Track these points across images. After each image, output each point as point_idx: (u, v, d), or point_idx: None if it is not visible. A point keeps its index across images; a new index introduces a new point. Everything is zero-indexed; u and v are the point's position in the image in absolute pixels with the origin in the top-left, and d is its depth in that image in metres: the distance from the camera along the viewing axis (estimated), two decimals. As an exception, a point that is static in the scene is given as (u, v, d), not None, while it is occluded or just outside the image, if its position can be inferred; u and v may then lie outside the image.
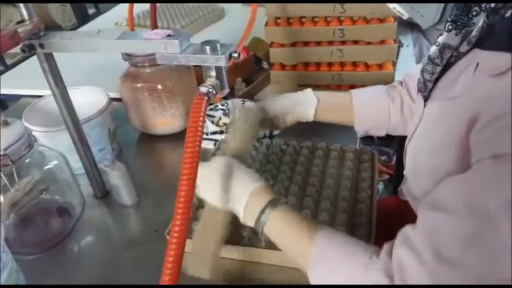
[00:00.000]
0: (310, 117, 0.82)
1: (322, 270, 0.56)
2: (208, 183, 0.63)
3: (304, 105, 0.81)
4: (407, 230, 0.51)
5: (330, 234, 0.58)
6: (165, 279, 0.48)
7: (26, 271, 0.67)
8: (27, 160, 0.71)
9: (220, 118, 1.01)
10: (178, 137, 1.01)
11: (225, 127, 0.99)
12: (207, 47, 0.59)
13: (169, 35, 0.61)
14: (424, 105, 0.64)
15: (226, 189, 0.62)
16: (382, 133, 0.84)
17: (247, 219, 0.61)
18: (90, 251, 0.77)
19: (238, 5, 1.79)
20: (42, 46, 0.66)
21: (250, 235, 0.68)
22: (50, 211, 0.79)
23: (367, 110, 0.82)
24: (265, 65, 1.26)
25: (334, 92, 0.87)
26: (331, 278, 0.55)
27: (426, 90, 0.63)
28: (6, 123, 0.71)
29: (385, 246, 0.53)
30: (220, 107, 1.03)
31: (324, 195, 0.74)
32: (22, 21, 0.68)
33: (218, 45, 0.59)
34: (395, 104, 0.80)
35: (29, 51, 0.67)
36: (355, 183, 0.77)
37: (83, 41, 0.67)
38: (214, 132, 0.97)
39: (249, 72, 1.22)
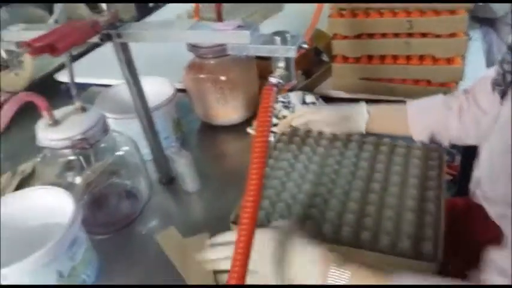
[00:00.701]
0: (361, 130, 0.86)
1: None
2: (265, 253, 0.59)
3: (354, 119, 0.86)
4: (492, 254, 0.48)
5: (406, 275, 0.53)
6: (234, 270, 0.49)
7: (96, 250, 0.72)
8: (103, 145, 0.75)
9: (280, 111, 1.01)
10: (239, 127, 1.02)
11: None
12: (277, 38, 0.58)
13: (239, 26, 0.62)
14: (501, 103, 0.61)
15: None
16: (444, 143, 0.83)
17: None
18: (156, 234, 0.79)
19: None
20: (119, 36, 0.69)
21: None
22: (120, 194, 0.84)
23: (423, 120, 0.82)
24: (325, 57, 1.24)
25: (389, 104, 0.90)
26: None
27: (505, 84, 0.59)
28: (83, 109, 0.75)
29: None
30: (281, 99, 1.03)
31: (389, 191, 0.72)
32: (99, 12, 0.72)
33: (288, 35, 0.59)
34: (454, 113, 0.78)
35: (106, 40, 0.71)
36: (423, 182, 0.75)
37: (157, 31, 0.69)
38: (275, 125, 0.98)
39: (309, 64, 1.21)
